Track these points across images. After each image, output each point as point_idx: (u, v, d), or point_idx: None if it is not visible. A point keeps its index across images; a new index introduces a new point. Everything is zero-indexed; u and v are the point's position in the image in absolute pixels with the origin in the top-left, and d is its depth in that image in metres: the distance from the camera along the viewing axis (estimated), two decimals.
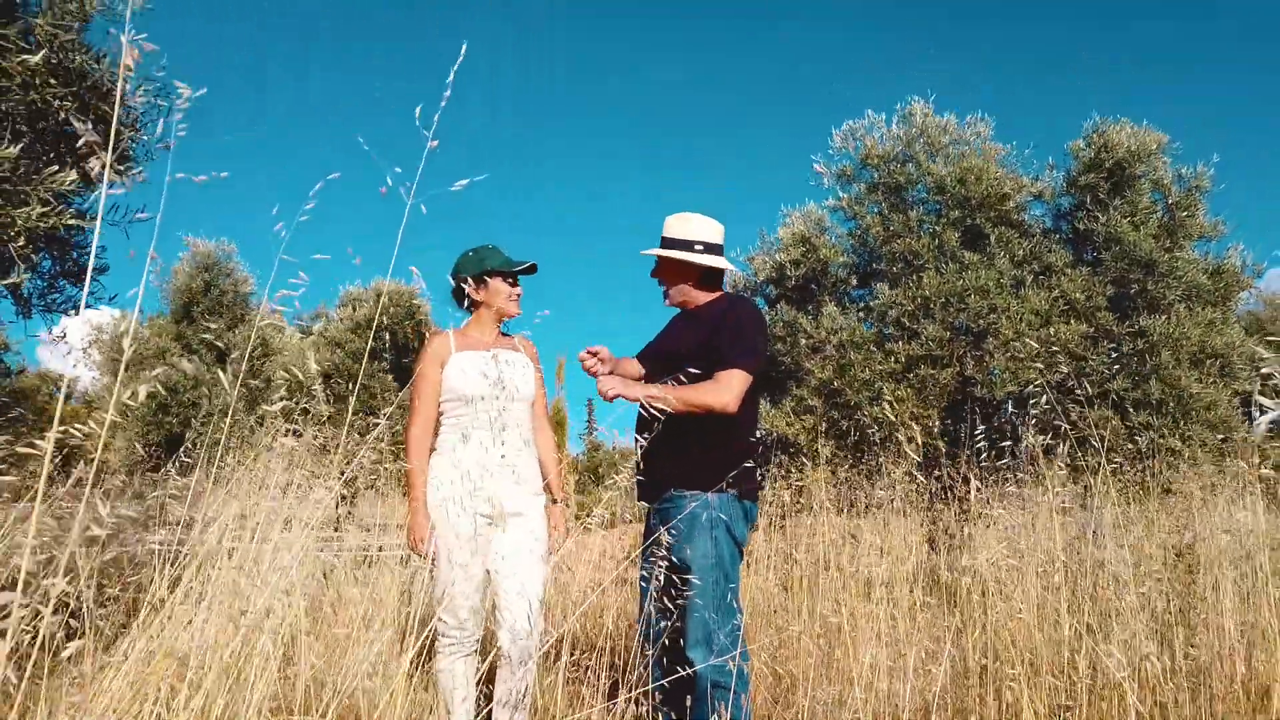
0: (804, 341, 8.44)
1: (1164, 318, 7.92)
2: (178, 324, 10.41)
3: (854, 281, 9.00)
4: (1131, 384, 7.92)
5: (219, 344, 9.41)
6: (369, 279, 11.28)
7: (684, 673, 2.73)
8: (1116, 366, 8.11)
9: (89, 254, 3.18)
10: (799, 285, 9.23)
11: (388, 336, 11.53)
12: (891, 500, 4.16)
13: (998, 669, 2.72)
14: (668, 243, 3.04)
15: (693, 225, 3.03)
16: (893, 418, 6.44)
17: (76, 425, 1.55)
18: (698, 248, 3.01)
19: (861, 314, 8.74)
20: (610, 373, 3.02)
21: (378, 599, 3.43)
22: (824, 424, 7.98)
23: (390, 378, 11.54)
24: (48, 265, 3.07)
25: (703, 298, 3.07)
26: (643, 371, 3.17)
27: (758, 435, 3.04)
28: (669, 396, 2.77)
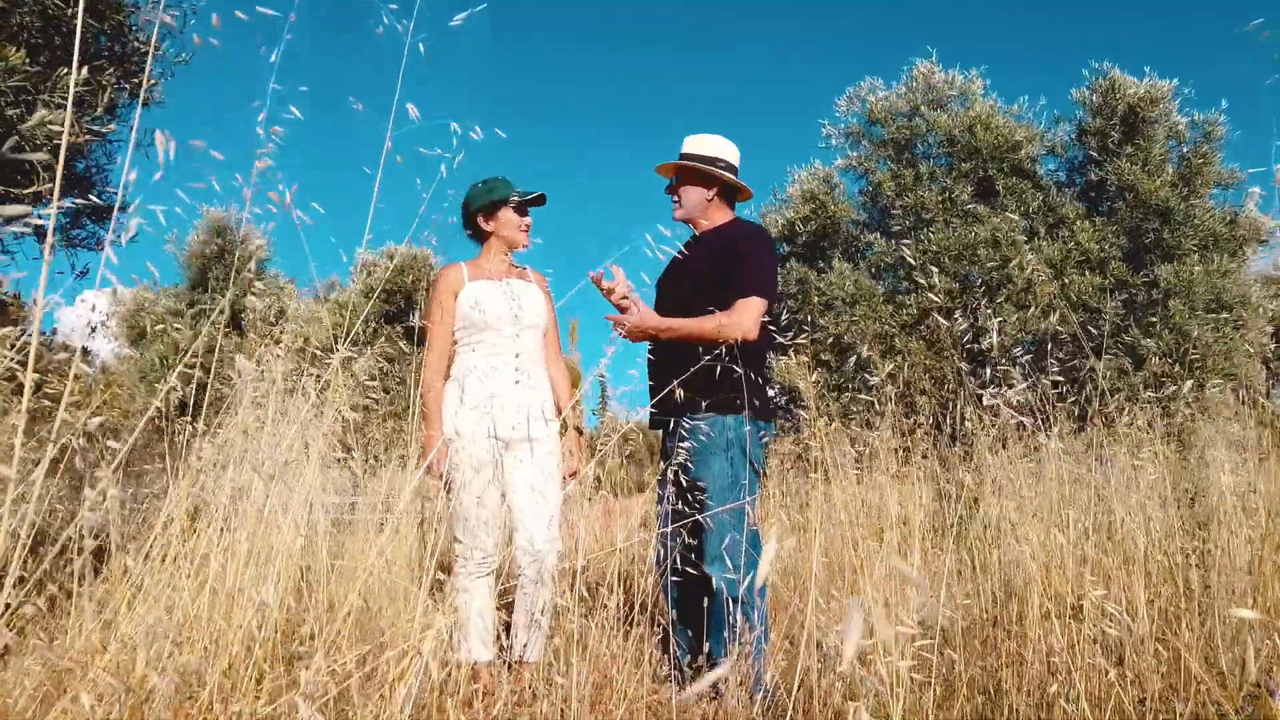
0: (816, 299, 8.45)
1: (1177, 266, 7.87)
2: (192, 290, 10.51)
3: (865, 238, 8.99)
4: (1144, 333, 7.90)
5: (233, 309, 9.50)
6: (381, 243, 11.30)
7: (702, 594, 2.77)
8: (1130, 316, 8.07)
9: (112, 192, 3.23)
10: (809, 242, 9.23)
11: (403, 301, 11.58)
12: (899, 450, 4.17)
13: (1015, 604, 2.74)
14: (688, 158, 3.07)
15: (715, 144, 3.06)
16: (904, 372, 6.46)
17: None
18: (720, 164, 3.04)
19: (872, 270, 8.73)
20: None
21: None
22: (837, 378, 8.01)
23: (404, 344, 11.58)
24: (70, 202, 3.12)
25: (717, 217, 3.09)
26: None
27: (770, 362, 3.06)
28: (689, 328, 2.81)
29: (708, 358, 2.76)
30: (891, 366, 7.40)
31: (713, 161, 3.04)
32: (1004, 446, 2.99)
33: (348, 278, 12.82)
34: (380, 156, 1.99)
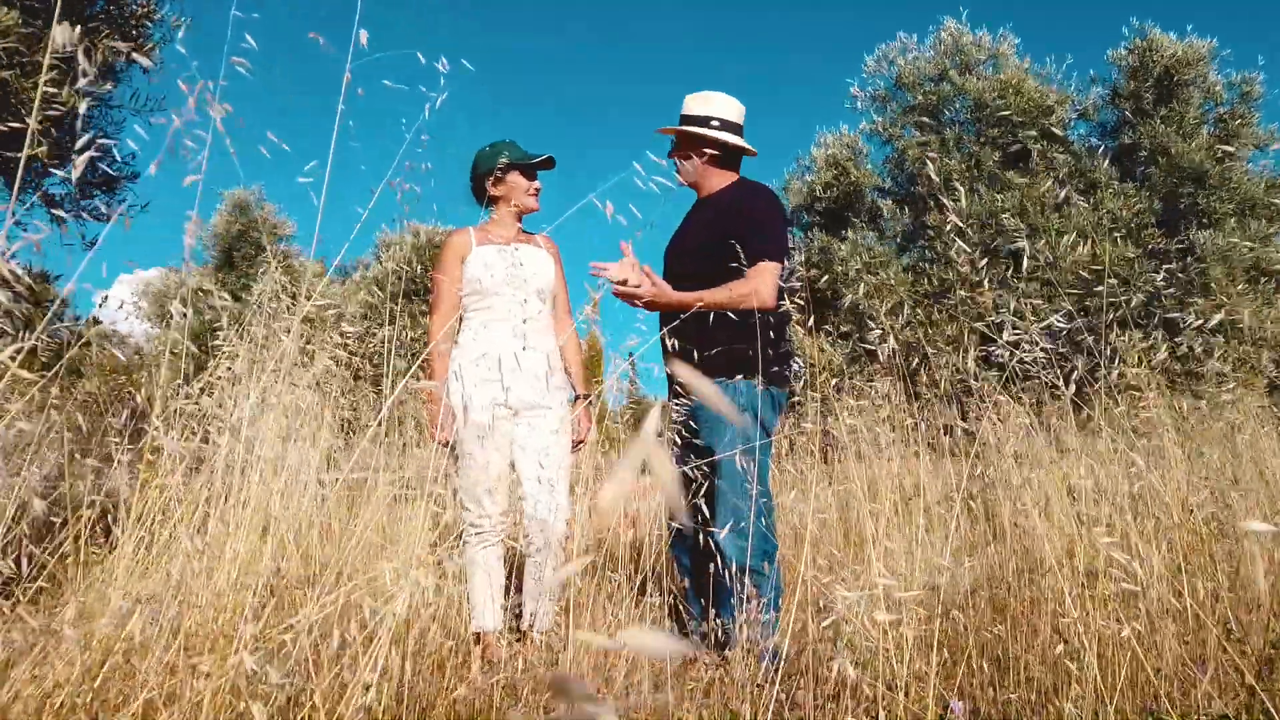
0: (837, 268, 8.34)
1: (1215, 232, 7.66)
2: (218, 270, 10.60)
3: (888, 205, 8.84)
4: (1178, 303, 7.70)
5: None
6: (400, 225, 11.30)
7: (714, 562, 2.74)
8: (1165, 285, 7.88)
9: (118, 162, 3.24)
10: (831, 210, 9.10)
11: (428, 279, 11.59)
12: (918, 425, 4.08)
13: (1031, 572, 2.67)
14: (686, 120, 2.99)
15: (712, 103, 2.98)
16: (926, 342, 6.35)
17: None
18: (714, 124, 2.95)
19: (895, 239, 8.60)
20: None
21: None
22: (858, 350, 7.92)
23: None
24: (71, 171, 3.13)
25: (717, 180, 3.01)
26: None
27: (788, 332, 2.99)
28: (705, 299, 2.75)
29: (722, 324, 2.71)
30: (910, 336, 7.30)
31: (706, 121, 2.95)
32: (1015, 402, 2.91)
33: (366, 254, 12.86)
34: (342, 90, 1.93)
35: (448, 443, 2.89)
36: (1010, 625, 2.22)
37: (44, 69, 1.50)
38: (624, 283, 2.84)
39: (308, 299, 2.17)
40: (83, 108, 1.74)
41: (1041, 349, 2.23)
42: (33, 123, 1.51)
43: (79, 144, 1.34)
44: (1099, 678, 1.94)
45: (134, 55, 1.98)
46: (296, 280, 2.52)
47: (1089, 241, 7.82)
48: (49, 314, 2.09)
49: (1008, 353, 2.14)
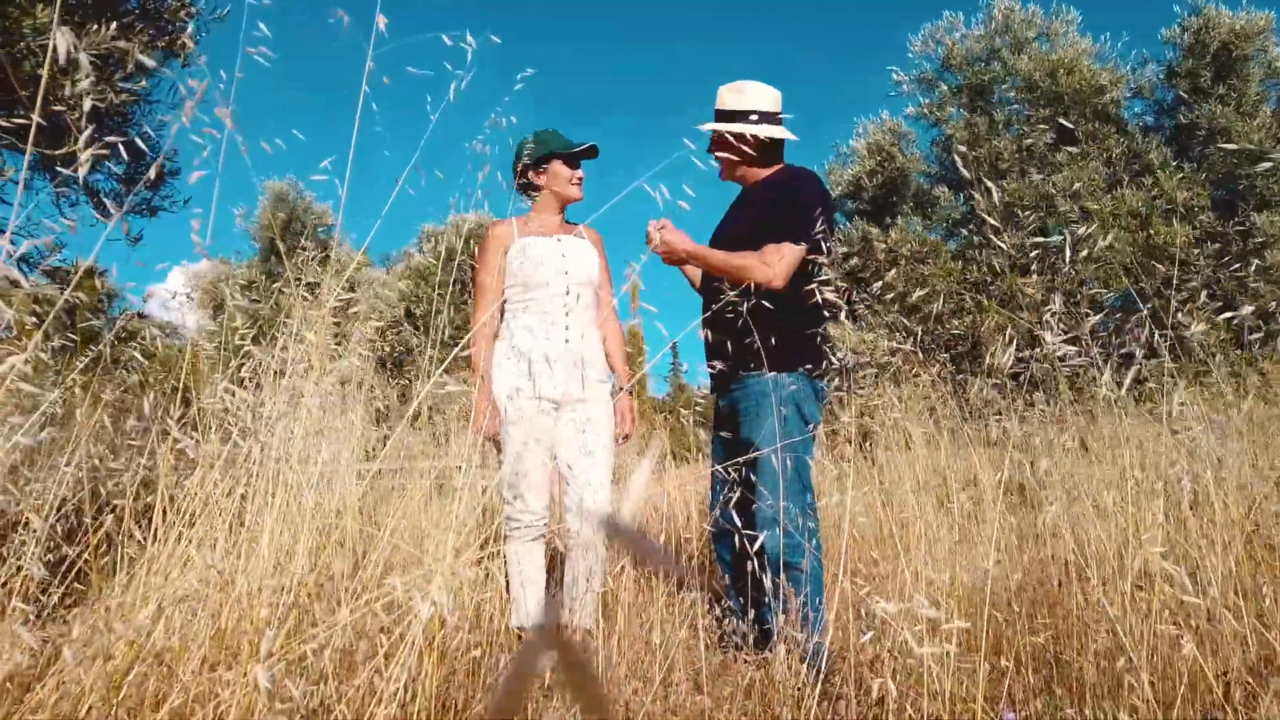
0: (881, 256, 8.18)
1: (1274, 214, 7.36)
2: (264, 261, 10.76)
3: (944, 193, 8.63)
4: (1239, 286, 7.43)
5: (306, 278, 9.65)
6: (445, 216, 11.35)
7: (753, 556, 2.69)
8: (1225, 268, 7.60)
9: (164, 158, 3.27)
10: (876, 198, 8.93)
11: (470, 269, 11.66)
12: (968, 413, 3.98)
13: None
14: (721, 116, 2.92)
15: (746, 95, 2.90)
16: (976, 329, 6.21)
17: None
18: (752, 118, 2.88)
19: (944, 225, 8.40)
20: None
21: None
22: (906, 340, 7.78)
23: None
24: (123, 168, 3.17)
25: (759, 172, 2.95)
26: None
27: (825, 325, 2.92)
28: (717, 260, 2.70)
29: (744, 312, 2.65)
30: (960, 324, 7.14)
31: (744, 116, 2.88)
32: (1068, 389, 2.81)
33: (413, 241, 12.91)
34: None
35: (492, 437, 2.87)
36: (1057, 627, 2.15)
37: (44, 60, 1.49)
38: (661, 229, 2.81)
39: (348, 289, 2.16)
40: (87, 105, 1.73)
41: (1097, 347, 2.14)
42: (35, 115, 1.51)
43: (83, 137, 1.33)
44: (1155, 684, 1.86)
45: (170, 46, 1.98)
46: (339, 272, 2.50)
47: (1144, 224, 7.57)
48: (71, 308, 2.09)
49: (1059, 349, 2.06)
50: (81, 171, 1.30)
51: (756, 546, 2.67)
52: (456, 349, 2.18)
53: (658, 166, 2.14)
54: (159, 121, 3.18)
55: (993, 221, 2.30)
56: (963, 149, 7.83)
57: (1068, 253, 2.12)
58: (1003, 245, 2.39)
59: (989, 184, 2.58)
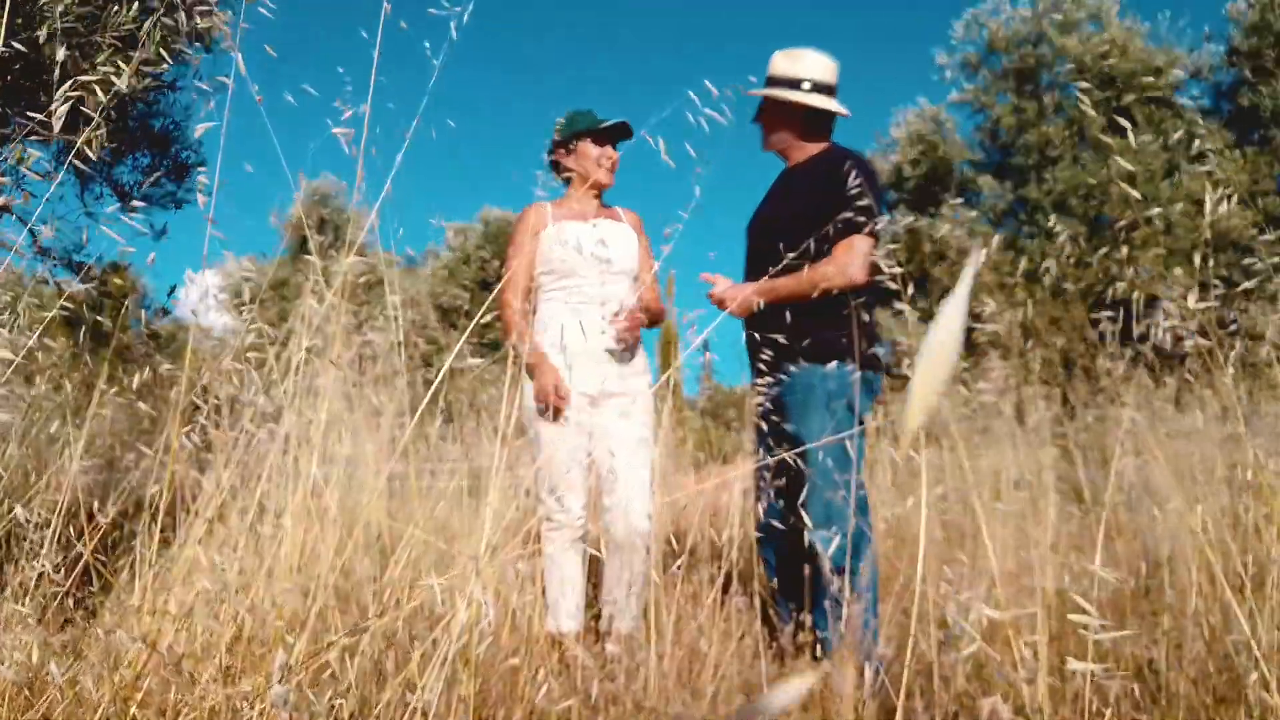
0: (927, 248, 7.94)
1: None
2: (294, 260, 10.79)
3: (988, 182, 8.36)
4: None
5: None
6: (474, 212, 11.34)
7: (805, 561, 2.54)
8: None
9: (190, 150, 3.19)
10: (918, 188, 8.68)
11: (499, 265, 11.64)
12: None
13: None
14: (772, 82, 2.75)
15: (802, 62, 2.72)
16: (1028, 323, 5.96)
17: None
18: (804, 85, 2.70)
19: (989, 214, 8.14)
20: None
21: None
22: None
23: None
24: (147, 160, 3.09)
25: (806, 148, 2.77)
26: None
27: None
28: (790, 288, 2.54)
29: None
30: (1011, 317, 6.85)
31: (797, 84, 2.71)
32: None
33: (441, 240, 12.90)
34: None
35: (563, 395, 2.66)
36: (1152, 636, 1.96)
37: (71, 43, 1.38)
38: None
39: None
40: (123, 85, 1.63)
41: (1194, 327, 1.95)
42: (58, 103, 1.40)
43: (58, 92, 1.21)
44: (1270, 696, 1.67)
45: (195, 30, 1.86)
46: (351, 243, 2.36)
47: (1203, 210, 7.26)
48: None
49: (1158, 332, 1.87)
50: (95, 154, 1.19)
51: (807, 548, 2.51)
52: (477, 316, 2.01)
53: (651, 121, 1.97)
54: (184, 111, 3.10)
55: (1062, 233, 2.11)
56: (1015, 135, 7.58)
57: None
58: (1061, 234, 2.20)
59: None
